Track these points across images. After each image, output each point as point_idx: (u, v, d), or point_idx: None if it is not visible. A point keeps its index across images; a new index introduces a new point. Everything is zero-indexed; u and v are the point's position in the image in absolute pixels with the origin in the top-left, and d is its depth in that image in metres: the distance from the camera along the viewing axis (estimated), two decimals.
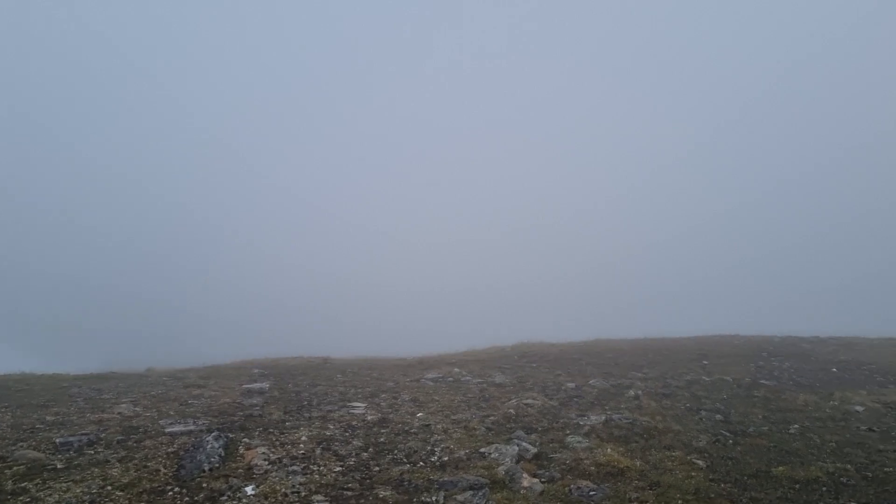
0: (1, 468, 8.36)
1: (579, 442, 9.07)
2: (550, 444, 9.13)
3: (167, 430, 10.07)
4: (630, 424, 10.10)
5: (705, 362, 16.45)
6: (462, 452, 8.58)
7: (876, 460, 8.56)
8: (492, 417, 10.57)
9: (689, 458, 8.54)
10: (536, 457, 8.48)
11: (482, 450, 8.64)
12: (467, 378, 14.62)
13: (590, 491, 7.22)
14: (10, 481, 7.83)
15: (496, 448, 8.59)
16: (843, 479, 7.74)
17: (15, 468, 8.33)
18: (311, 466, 8.11)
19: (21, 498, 7.28)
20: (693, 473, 7.90)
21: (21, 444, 9.51)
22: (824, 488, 7.48)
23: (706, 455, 8.72)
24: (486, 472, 7.72)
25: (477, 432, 9.65)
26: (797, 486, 7.56)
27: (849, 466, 8.25)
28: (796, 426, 10.27)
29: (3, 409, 12.03)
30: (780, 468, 8.15)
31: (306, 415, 11.11)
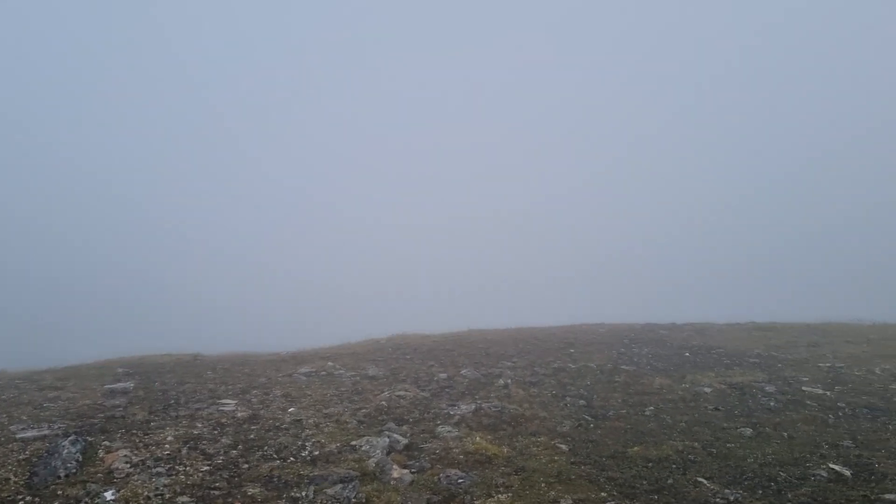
0: None
1: (449, 431, 9.28)
2: (421, 434, 9.29)
3: (18, 435, 9.50)
4: (499, 412, 10.42)
5: (572, 350, 17.15)
6: (333, 446, 8.59)
7: (720, 437, 9.25)
8: (364, 410, 10.62)
9: (553, 442, 8.92)
10: (407, 448, 8.62)
11: (353, 443, 8.68)
12: (341, 371, 14.59)
13: (458, 479, 7.42)
14: None
15: (367, 441, 8.65)
16: (691, 457, 8.32)
17: None
18: (177, 467, 7.89)
19: None
20: (556, 457, 8.26)
21: None
22: (674, 465, 8.02)
23: (569, 439, 9.14)
24: (357, 465, 7.78)
25: (349, 426, 9.68)
26: (650, 464, 8.07)
27: (696, 444, 8.87)
28: (651, 408, 10.91)
29: None
30: (636, 448, 8.67)
31: (173, 414, 10.76)
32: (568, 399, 11.57)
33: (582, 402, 11.40)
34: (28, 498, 7.02)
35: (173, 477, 7.54)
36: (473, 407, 10.68)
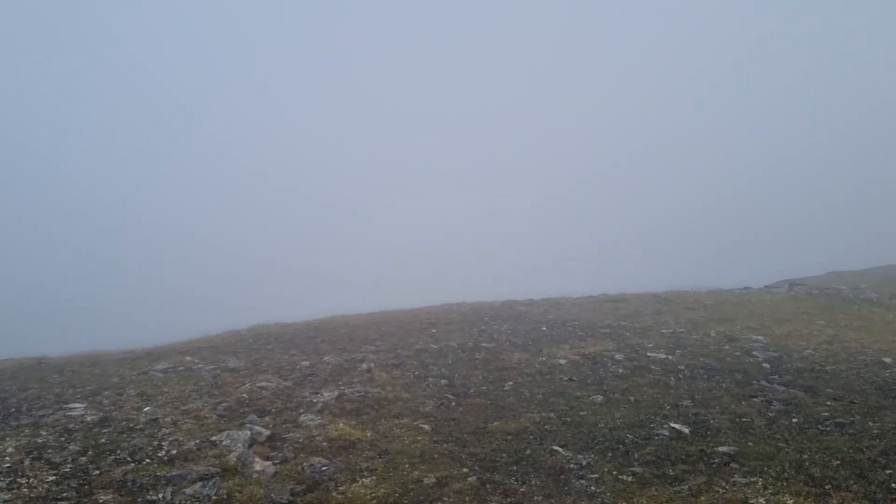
0: None
1: (312, 419, 9.24)
2: (284, 424, 9.19)
3: None
4: (362, 397, 10.47)
5: (434, 331, 17.41)
6: (192, 443, 8.34)
7: (574, 406, 9.74)
8: (224, 404, 10.35)
9: (415, 423, 9.08)
10: (270, 439, 8.51)
11: (213, 438, 8.46)
12: (200, 365, 14.12)
13: (322, 466, 7.43)
14: None
15: (227, 435, 8.46)
16: (547, 427, 8.73)
17: None
18: (19, 479, 7.39)
19: None
20: (419, 437, 8.43)
21: None
22: (531, 436, 8.38)
23: (431, 419, 9.33)
24: (217, 461, 7.60)
25: (208, 421, 9.42)
26: (509, 437, 8.40)
27: (552, 414, 9.30)
28: (511, 383, 11.31)
29: None
30: (496, 423, 8.98)
31: (13, 423, 10.06)
32: (430, 379, 11.78)
33: (444, 381, 11.64)
34: None
35: (15, 491, 7.08)
36: (336, 393, 10.67)
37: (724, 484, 6.56)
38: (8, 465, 7.91)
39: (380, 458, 7.74)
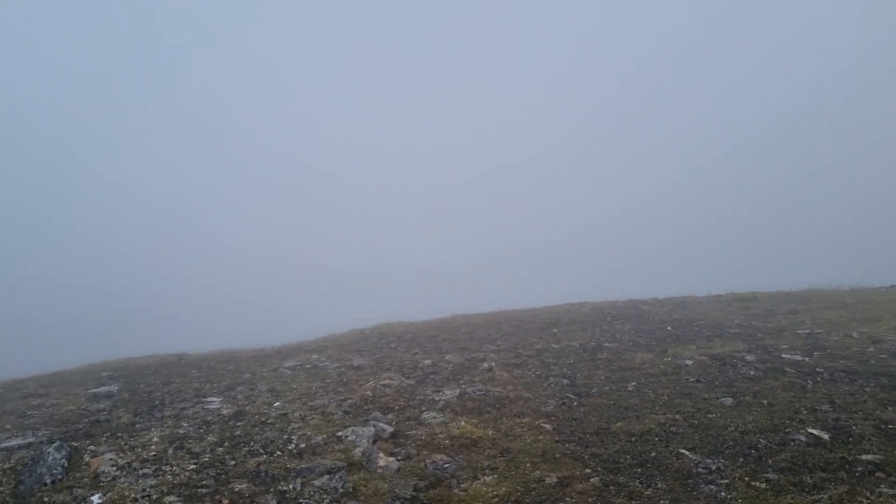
0: None
1: (434, 417, 9.35)
2: (407, 421, 9.34)
3: (2, 445, 9.45)
4: (483, 396, 10.50)
5: (555, 330, 17.25)
6: (319, 438, 8.63)
7: (701, 408, 9.37)
8: (349, 401, 10.66)
9: (537, 422, 9.01)
10: (393, 436, 8.67)
11: (339, 434, 8.72)
12: (326, 363, 14.61)
13: (444, 464, 7.49)
14: None
15: (353, 431, 8.70)
16: (673, 429, 8.44)
17: None
18: (164, 467, 7.90)
19: None
20: (540, 437, 8.36)
21: None
22: (657, 438, 8.13)
23: (553, 418, 9.23)
24: (343, 456, 7.83)
25: (334, 417, 9.72)
26: (633, 438, 8.17)
27: (678, 416, 8.99)
28: (634, 383, 11.03)
29: None
30: (619, 424, 8.77)
31: (158, 415, 10.75)
32: (551, 379, 11.67)
33: (565, 381, 11.50)
34: None
35: (160, 478, 7.55)
36: (458, 392, 10.75)
37: (868, 494, 6.12)
38: (154, 453, 8.46)
39: (501, 456, 7.73)
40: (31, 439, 9.62)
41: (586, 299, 26.15)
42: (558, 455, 7.67)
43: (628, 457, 7.54)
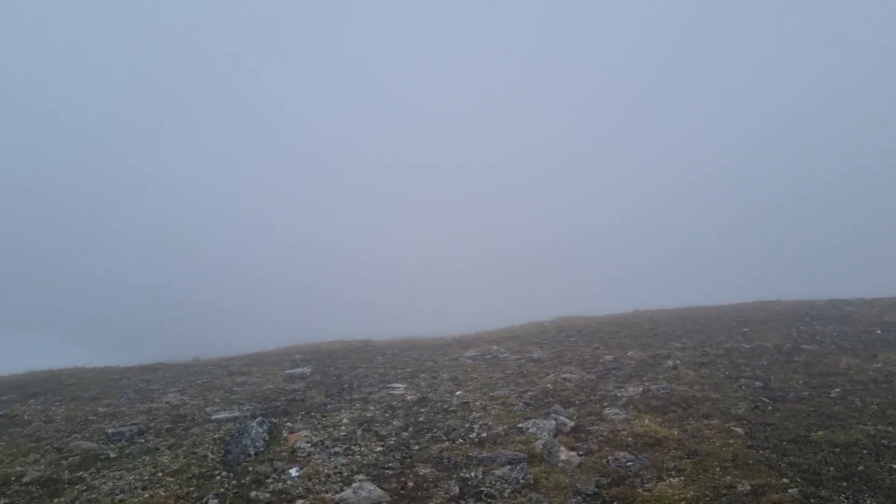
0: (57, 458, 8.73)
1: (616, 414, 9.13)
2: (588, 417, 9.20)
3: (213, 417, 10.37)
4: (668, 394, 10.12)
5: (745, 329, 16.28)
6: (500, 428, 8.71)
7: None
8: (530, 393, 10.67)
9: (727, 425, 8.54)
10: (574, 430, 8.57)
11: (520, 425, 8.76)
12: (506, 355, 14.73)
13: (627, 461, 7.30)
14: (66, 471, 8.17)
15: (534, 423, 8.70)
16: (885, 442, 7.68)
17: (70, 458, 8.69)
18: (353, 447, 8.31)
19: (77, 487, 7.60)
20: (731, 441, 7.91)
21: (75, 435, 9.90)
22: (865, 451, 7.43)
23: (745, 422, 8.70)
24: (524, 447, 7.85)
25: (515, 408, 9.77)
26: (837, 449, 7.53)
27: (891, 429, 8.17)
28: (837, 390, 10.17)
29: (57, 403, 12.47)
30: (820, 433, 8.11)
31: (347, 397, 11.33)
32: (742, 380, 11.01)
33: (758, 383, 10.81)
34: (224, 473, 7.66)
35: (350, 457, 7.95)
36: (641, 389, 10.44)
37: None
38: (344, 433, 8.92)
39: (688, 458, 7.40)
40: (236, 413, 10.47)
41: (778, 297, 24.50)
42: (751, 461, 7.22)
43: (832, 469, 6.96)
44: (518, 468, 7.15)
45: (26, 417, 11.42)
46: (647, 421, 8.70)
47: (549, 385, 11.11)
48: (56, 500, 7.29)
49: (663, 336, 15.82)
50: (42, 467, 8.42)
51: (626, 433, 8.26)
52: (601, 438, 8.17)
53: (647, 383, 10.89)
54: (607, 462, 7.34)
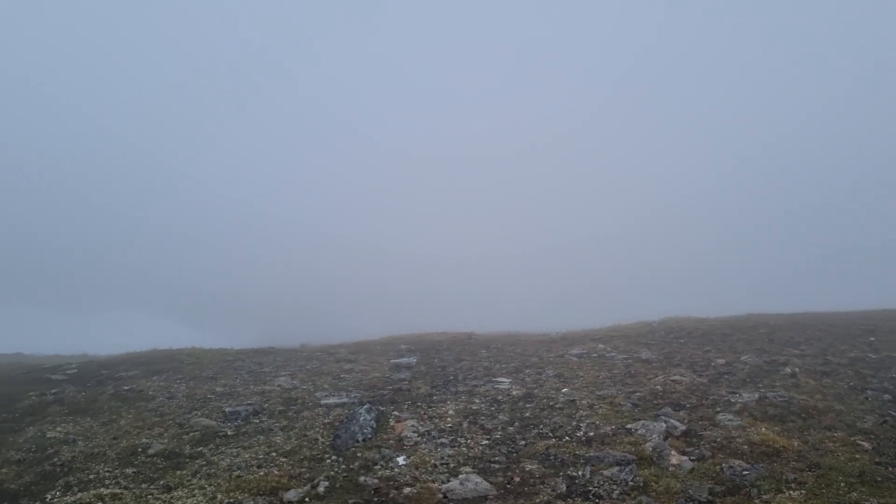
0: (179, 433, 9.19)
1: (731, 420, 8.77)
2: (700, 421, 8.88)
3: (322, 402, 10.65)
4: (786, 403, 9.63)
5: (872, 339, 15.32)
6: (608, 428, 8.54)
7: None
8: (638, 394, 10.41)
9: (852, 439, 8.05)
10: (685, 434, 8.30)
11: (628, 426, 8.56)
12: (612, 354, 14.44)
13: (743, 470, 7.00)
14: (187, 446, 8.58)
15: (643, 424, 8.49)
16: None
17: (191, 434, 9.12)
18: (459, 439, 8.35)
19: (198, 461, 7.97)
20: (857, 455, 7.45)
21: (195, 412, 10.39)
22: None
23: (872, 437, 8.18)
24: (633, 449, 7.66)
25: (623, 408, 9.56)
26: None
27: None
28: None
29: (178, 381, 13.13)
30: None
31: (452, 389, 11.40)
32: (869, 392, 10.36)
33: (886, 396, 10.14)
34: (333, 457, 7.85)
35: (456, 448, 7.99)
36: (757, 396, 9.99)
37: None
38: (450, 425, 8.97)
39: (809, 471, 7.02)
40: (345, 399, 10.72)
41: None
42: (879, 478, 6.78)
43: None
44: (627, 470, 6.98)
45: (151, 393, 12.09)
46: (763, 429, 8.31)
47: (658, 386, 10.80)
48: (179, 472, 7.67)
49: (780, 342, 15.10)
50: (166, 441, 8.89)
51: (741, 441, 7.92)
52: (714, 445, 7.87)
53: (762, 390, 10.42)
54: (721, 469, 7.06)
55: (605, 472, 6.98)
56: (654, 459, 7.36)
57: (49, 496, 7.24)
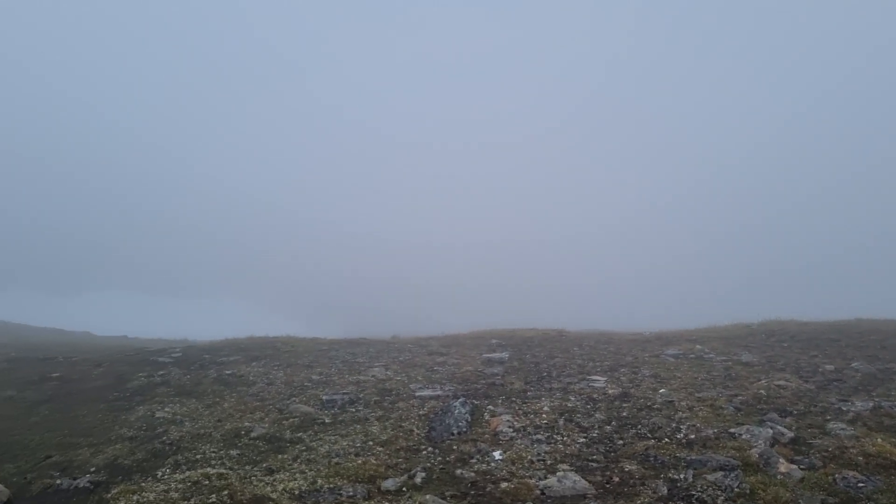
0: (279, 419, 9.44)
1: (843, 429, 8.33)
2: (808, 429, 8.47)
3: (417, 393, 10.73)
4: None
5: None
6: (710, 431, 8.26)
7: None
8: (740, 397, 10.04)
9: None
10: (793, 441, 7.94)
11: (732, 430, 8.26)
12: (710, 355, 14.00)
13: (858, 482, 6.63)
14: (287, 431, 8.80)
15: (747, 429, 8.17)
16: None
17: (291, 420, 9.36)
18: (555, 436, 8.25)
19: (298, 446, 8.16)
20: None
21: (294, 398, 10.67)
22: None
23: None
24: (737, 454, 7.37)
25: (724, 412, 9.23)
26: None
27: None
28: None
29: (276, 367, 13.51)
30: None
31: (546, 386, 11.29)
32: None
33: None
34: (429, 449, 7.89)
35: (552, 445, 7.89)
36: (871, 405, 9.46)
37: None
38: (545, 421, 8.88)
39: None
40: (438, 392, 10.77)
41: None
42: None
43: None
44: (732, 475, 6.73)
45: (251, 378, 12.49)
46: (879, 440, 7.85)
47: (761, 391, 10.39)
48: (280, 456, 7.88)
49: (894, 349, 14.29)
50: (266, 425, 9.15)
51: (855, 451, 7.51)
52: (826, 454, 7.49)
53: (877, 399, 9.87)
54: (834, 480, 6.71)
55: (709, 477, 6.74)
56: (761, 466, 7.07)
57: (160, 473, 7.57)
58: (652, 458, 7.36)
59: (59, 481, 7.49)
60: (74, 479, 7.53)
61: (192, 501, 6.45)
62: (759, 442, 7.75)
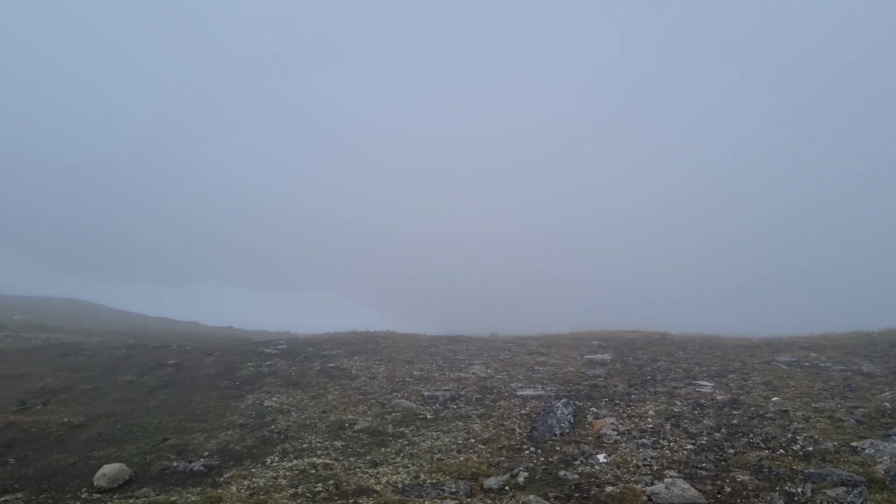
0: (382, 413, 9.57)
1: None
2: None
3: (518, 393, 10.66)
4: None
5: None
6: (829, 444, 7.81)
7: None
8: (861, 409, 9.46)
9: None
10: None
11: (853, 444, 7.78)
12: (827, 364, 13.29)
13: None
14: (390, 425, 8.91)
15: (871, 444, 7.68)
16: None
17: (393, 414, 9.47)
18: (661, 441, 8.01)
19: (400, 441, 8.24)
20: None
21: (396, 393, 10.79)
22: None
23: None
24: (861, 469, 6.94)
25: (845, 424, 8.72)
26: None
27: None
28: None
29: (377, 362, 13.72)
30: None
31: (651, 389, 10.99)
32: None
33: None
34: (532, 449, 7.81)
35: (658, 451, 7.66)
36: None
37: None
38: (651, 426, 8.63)
39: None
40: (540, 392, 10.66)
41: None
42: None
43: None
44: (855, 492, 6.33)
45: (354, 372, 12.73)
46: None
47: (886, 403, 9.75)
48: (383, 449, 7.98)
49: None
50: (369, 419, 9.29)
51: None
52: None
53: None
54: None
55: (829, 492, 6.37)
56: (888, 484, 6.62)
57: (269, 460, 7.81)
58: (766, 470, 7.02)
59: (175, 463, 7.84)
60: (190, 461, 7.87)
61: (300, 489, 6.62)
62: (885, 458, 7.27)
